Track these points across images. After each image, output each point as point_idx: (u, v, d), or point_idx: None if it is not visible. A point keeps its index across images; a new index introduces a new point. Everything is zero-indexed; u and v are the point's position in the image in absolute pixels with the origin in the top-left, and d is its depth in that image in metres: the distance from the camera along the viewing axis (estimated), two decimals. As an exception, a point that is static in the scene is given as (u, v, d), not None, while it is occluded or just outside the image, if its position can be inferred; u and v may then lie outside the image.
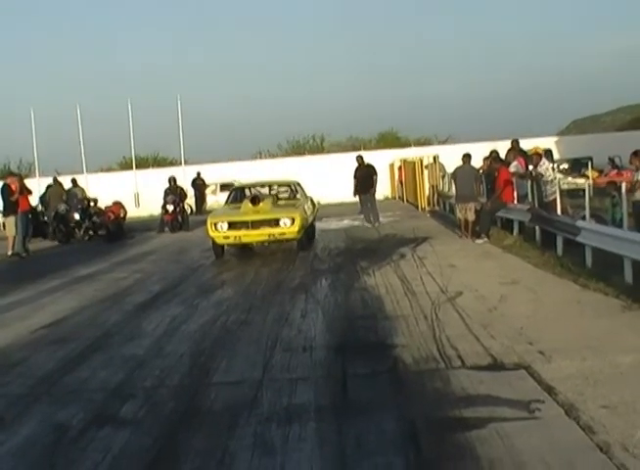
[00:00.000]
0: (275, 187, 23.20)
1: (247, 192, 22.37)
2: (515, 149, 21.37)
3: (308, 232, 20.90)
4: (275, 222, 18.98)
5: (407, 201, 36.65)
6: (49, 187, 31.54)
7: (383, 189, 37.38)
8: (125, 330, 11.46)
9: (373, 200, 26.73)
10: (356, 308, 11.85)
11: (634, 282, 11.54)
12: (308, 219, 20.53)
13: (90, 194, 32.43)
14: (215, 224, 19.09)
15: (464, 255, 16.91)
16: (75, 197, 29.84)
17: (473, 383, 7.55)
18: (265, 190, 22.76)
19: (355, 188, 26.60)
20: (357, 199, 27.18)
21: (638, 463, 5.33)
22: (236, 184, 29.22)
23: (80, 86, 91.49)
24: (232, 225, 19.06)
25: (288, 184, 23.30)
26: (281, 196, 22.17)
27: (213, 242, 19.50)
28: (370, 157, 30.86)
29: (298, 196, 21.97)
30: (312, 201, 23.21)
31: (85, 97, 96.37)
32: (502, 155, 21.35)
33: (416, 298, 12.13)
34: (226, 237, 19.10)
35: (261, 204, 19.72)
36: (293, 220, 18.93)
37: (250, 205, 19.72)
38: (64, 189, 31.15)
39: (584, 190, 15.54)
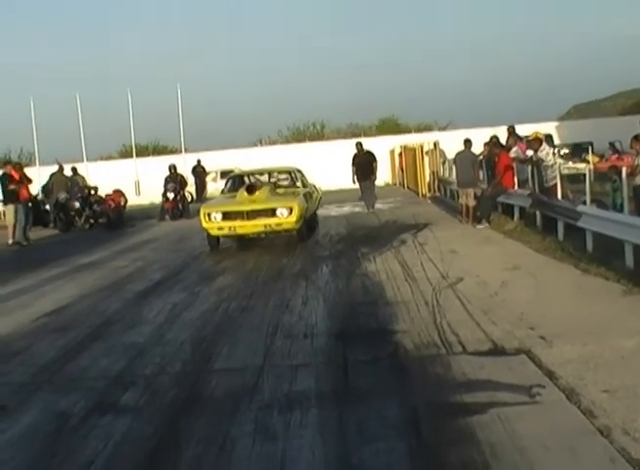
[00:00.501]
0: (275, 174, 21.93)
1: (245, 180, 21.14)
2: (511, 135, 21.33)
3: (309, 222, 20.01)
4: (272, 212, 17.96)
5: (408, 187, 36.62)
6: (52, 175, 31.45)
7: (383, 175, 37.36)
8: (126, 318, 11.46)
9: (372, 187, 26.70)
10: (357, 295, 11.84)
11: (635, 267, 11.54)
12: (309, 209, 19.52)
13: (90, 182, 32.40)
14: (209, 215, 18.22)
15: (465, 240, 16.91)
16: (76, 185, 29.82)
17: (474, 368, 7.55)
18: (265, 178, 21.69)
19: (354, 175, 26.53)
20: (357, 186, 27.05)
21: (639, 447, 5.34)
22: (236, 171, 28.13)
23: (80, 75, 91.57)
24: (226, 216, 18.17)
25: (288, 171, 21.92)
26: (280, 184, 21.00)
27: (207, 233, 18.65)
28: (370, 143, 30.81)
29: (299, 184, 20.79)
30: (315, 188, 22.46)
31: (85, 86, 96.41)
32: (502, 140, 21.32)
33: (417, 284, 12.13)
34: (220, 228, 18.21)
35: (258, 193, 18.68)
36: (290, 210, 17.88)
37: (245, 194, 18.71)
38: (66, 177, 31.10)
39: (585, 175, 15.53)
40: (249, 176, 21.83)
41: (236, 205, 18.52)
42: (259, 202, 18.28)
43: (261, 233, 18.49)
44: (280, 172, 22.08)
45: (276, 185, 20.68)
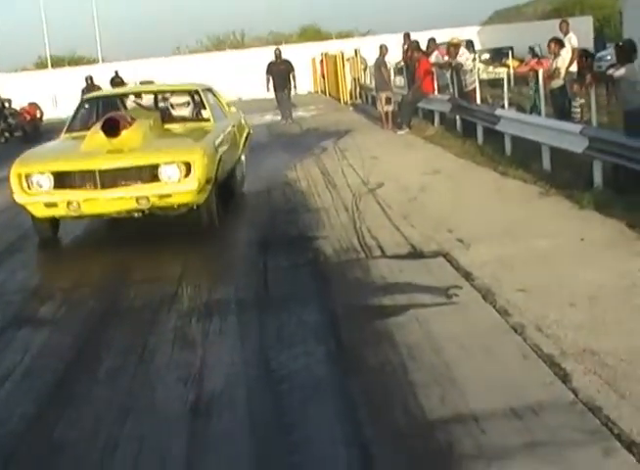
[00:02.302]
0: (167, 96, 12.54)
1: (112, 108, 12.01)
2: (407, 40, 21.59)
3: (227, 184, 11.43)
4: (150, 173, 9.45)
5: (330, 95, 36.34)
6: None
7: (305, 84, 37.05)
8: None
9: (289, 97, 25.79)
10: (278, 203, 11.78)
11: (552, 169, 11.66)
12: (224, 161, 10.69)
13: (4, 95, 31.46)
14: (28, 178, 9.60)
15: (386, 146, 16.86)
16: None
17: (392, 271, 7.63)
18: (149, 101, 12.72)
19: (269, 83, 24.99)
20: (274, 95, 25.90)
21: (550, 342, 5.47)
22: (156, 83, 18.67)
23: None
24: (62, 180, 9.54)
25: (189, 91, 12.40)
26: (176, 114, 12.16)
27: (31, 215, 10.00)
28: (292, 51, 30.38)
29: (207, 114, 11.86)
30: (240, 118, 13.92)
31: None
32: (423, 46, 21.21)
33: (337, 190, 12.10)
34: (50, 205, 9.54)
35: (125, 133, 9.85)
36: (187, 168, 9.37)
37: (101, 135, 9.82)
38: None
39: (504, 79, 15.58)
40: (122, 101, 12.88)
41: (81, 159, 9.85)
42: (128, 152, 9.73)
43: (132, 212, 9.68)
44: (175, 94, 12.62)
45: (166, 117, 11.85)
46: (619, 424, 4.28)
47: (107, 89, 21.62)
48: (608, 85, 11.75)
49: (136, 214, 9.70)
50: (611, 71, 11.46)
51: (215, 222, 10.01)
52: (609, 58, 24.27)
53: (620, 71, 10.69)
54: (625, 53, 10.95)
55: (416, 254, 8.21)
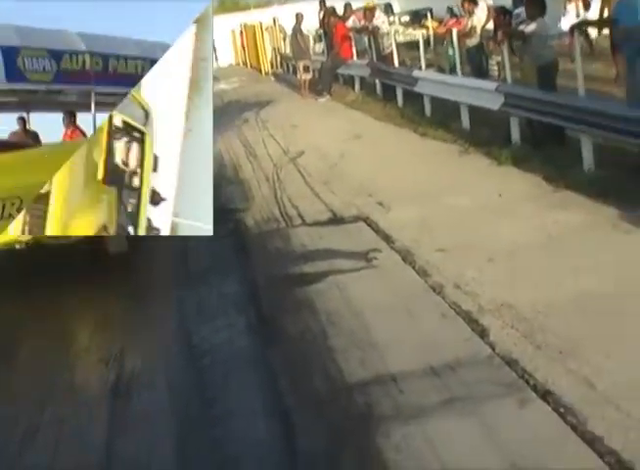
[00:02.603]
0: None
1: None
2: (323, 7, 21.57)
3: None
4: None
5: (251, 66, 36.06)
6: None
7: (227, 56, 36.70)
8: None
9: None
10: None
11: (471, 127, 11.69)
12: None
13: None
14: None
15: (307, 114, 16.76)
16: None
17: (313, 239, 7.62)
18: None
19: None
20: None
21: (469, 298, 5.50)
22: None
23: None
24: None
25: None
26: None
27: None
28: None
29: None
30: None
31: None
32: (340, 11, 21.12)
33: (258, 161, 12.03)
34: None
35: None
36: None
37: None
38: None
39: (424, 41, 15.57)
40: None
41: None
42: None
43: (10, 245, 6.86)
44: None
45: None
46: (535, 375, 4.31)
47: None
48: (511, 42, 11.64)
49: (17, 246, 6.98)
50: (522, 27, 11.47)
51: (124, 248, 7.41)
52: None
53: (531, 27, 10.70)
54: (536, 8, 10.96)
55: (336, 220, 8.20)
